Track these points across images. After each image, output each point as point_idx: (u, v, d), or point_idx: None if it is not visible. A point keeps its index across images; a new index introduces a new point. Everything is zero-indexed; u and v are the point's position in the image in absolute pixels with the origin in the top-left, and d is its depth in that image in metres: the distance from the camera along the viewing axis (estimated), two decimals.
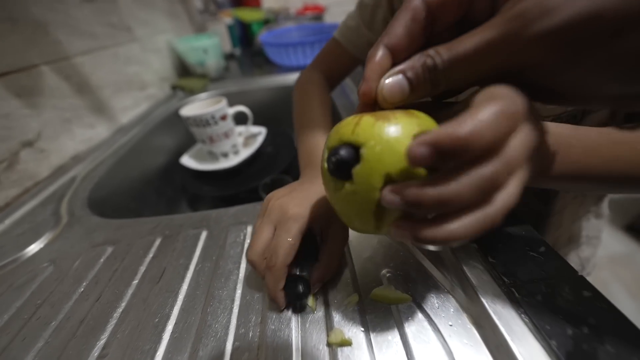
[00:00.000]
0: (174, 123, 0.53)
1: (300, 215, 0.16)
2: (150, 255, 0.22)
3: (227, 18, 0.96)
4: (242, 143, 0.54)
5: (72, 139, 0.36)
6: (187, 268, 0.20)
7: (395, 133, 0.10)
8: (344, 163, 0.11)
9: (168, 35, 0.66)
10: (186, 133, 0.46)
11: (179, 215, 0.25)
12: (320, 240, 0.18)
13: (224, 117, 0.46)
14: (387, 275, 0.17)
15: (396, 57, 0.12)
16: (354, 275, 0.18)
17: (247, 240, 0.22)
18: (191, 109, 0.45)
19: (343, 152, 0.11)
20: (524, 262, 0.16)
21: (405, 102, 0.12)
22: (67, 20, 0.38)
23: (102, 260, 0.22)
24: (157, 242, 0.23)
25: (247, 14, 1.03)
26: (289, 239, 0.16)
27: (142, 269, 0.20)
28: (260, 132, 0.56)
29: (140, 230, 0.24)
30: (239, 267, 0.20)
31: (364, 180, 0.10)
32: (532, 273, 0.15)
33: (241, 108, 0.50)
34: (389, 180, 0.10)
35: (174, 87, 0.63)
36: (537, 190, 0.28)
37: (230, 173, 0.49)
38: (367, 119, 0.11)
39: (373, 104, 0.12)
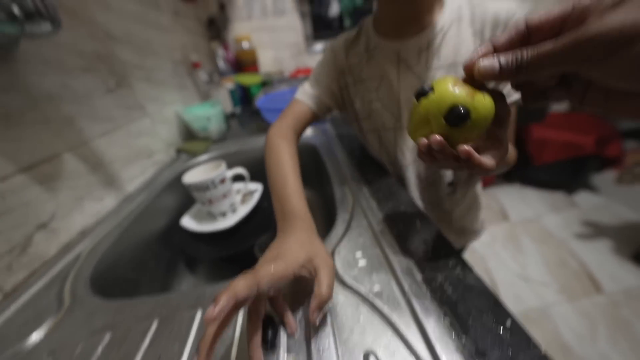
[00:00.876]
0: (176, 186, 0.57)
1: (280, 266, 0.20)
2: (147, 340, 0.22)
3: (229, 83, 1.08)
4: (240, 200, 0.57)
5: (82, 213, 0.39)
6: (181, 354, 0.21)
7: (482, 107, 0.18)
8: (461, 116, 0.18)
9: (176, 105, 0.74)
10: (187, 194, 0.50)
11: (175, 295, 0.27)
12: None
13: (222, 181, 0.50)
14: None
15: (496, 52, 0.17)
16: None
17: (241, 318, 0.23)
18: (193, 176, 0.50)
19: (463, 110, 0.18)
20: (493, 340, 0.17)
21: (492, 80, 0.17)
22: (91, 110, 0.44)
23: (100, 349, 0.22)
24: (154, 326, 0.24)
25: (247, 79, 1.17)
26: (271, 271, 0.20)
27: (139, 357, 0.21)
28: (257, 189, 0.59)
29: (137, 314, 0.25)
30: (231, 347, 0.20)
31: (475, 122, 0.18)
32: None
33: (239, 170, 0.54)
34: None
35: (179, 151, 0.68)
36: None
37: (228, 232, 0.51)
38: (473, 96, 0.18)
39: (471, 76, 0.18)
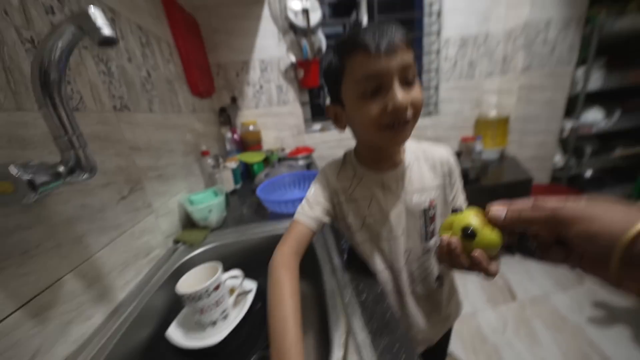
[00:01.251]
0: (168, 285, 0.56)
1: None
2: None
3: (233, 163, 1.17)
4: (232, 303, 0.55)
5: (66, 341, 0.37)
6: None
7: (488, 235, 0.27)
8: (472, 232, 0.27)
9: (181, 193, 0.79)
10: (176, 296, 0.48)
11: None
12: None
13: (217, 287, 0.50)
14: None
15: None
16: None
17: None
18: (187, 283, 0.49)
19: (471, 230, 0.27)
20: None
21: (499, 223, 0.26)
22: (102, 223, 0.47)
23: None
24: None
25: (250, 157, 1.27)
26: None
27: None
28: (252, 288, 0.58)
29: None
30: None
31: (481, 237, 0.27)
32: None
33: (234, 273, 0.54)
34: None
35: (177, 241, 0.70)
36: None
37: (218, 346, 0.48)
38: (484, 226, 0.27)
39: (486, 213, 0.27)
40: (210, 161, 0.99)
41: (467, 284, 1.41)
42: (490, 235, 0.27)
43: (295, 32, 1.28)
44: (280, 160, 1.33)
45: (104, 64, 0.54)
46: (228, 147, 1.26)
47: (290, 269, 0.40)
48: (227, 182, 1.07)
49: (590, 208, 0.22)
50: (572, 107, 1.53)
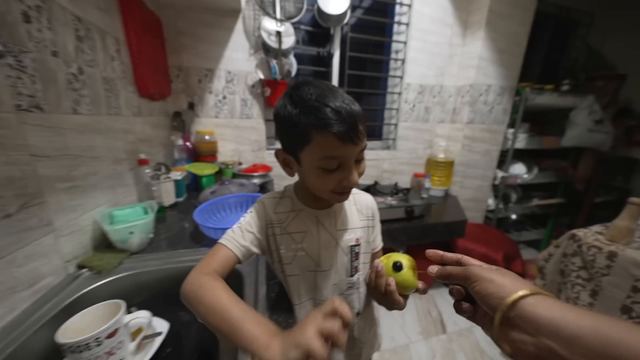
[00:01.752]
0: (54, 323, 0.46)
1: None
2: None
3: (178, 173, 1.08)
4: (134, 349, 0.48)
5: None
6: None
7: (409, 276, 0.39)
8: (400, 266, 0.39)
9: (101, 209, 0.69)
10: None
11: None
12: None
13: (112, 334, 0.43)
14: None
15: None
16: None
17: None
18: (74, 329, 0.42)
19: (399, 265, 0.39)
20: None
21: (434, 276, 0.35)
22: None
23: None
24: None
25: (200, 169, 1.19)
26: None
27: None
28: (162, 331, 0.51)
29: None
30: None
31: (403, 273, 0.39)
32: None
33: (141, 314, 0.48)
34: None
35: (81, 267, 0.60)
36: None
37: None
38: (410, 269, 0.39)
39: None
40: (148, 171, 0.89)
41: (405, 315, 1.47)
42: (411, 277, 0.38)
43: (267, 51, 1.29)
44: (235, 175, 1.27)
45: (13, 56, 0.46)
46: (176, 155, 1.16)
47: (213, 275, 0.38)
48: (167, 194, 0.98)
49: (491, 272, 0.28)
50: (503, 159, 1.79)
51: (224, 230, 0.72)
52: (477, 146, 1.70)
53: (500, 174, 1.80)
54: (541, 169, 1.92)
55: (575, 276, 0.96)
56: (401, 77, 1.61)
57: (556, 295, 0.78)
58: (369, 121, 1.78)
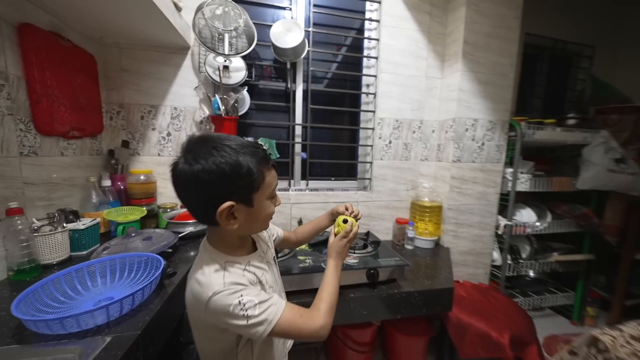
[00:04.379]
0: None
1: None
2: None
3: (87, 220, 0.91)
4: None
5: None
6: None
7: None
8: (346, 221, 0.69)
9: None
10: None
11: None
12: None
13: None
14: None
15: None
16: None
17: None
18: None
19: (345, 220, 0.69)
20: None
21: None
22: None
23: None
24: None
25: (124, 214, 1.02)
26: None
27: None
28: None
29: None
30: None
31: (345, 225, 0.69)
32: None
33: None
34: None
35: None
36: None
37: None
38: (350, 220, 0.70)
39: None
40: (21, 222, 0.73)
41: None
42: (353, 221, 0.69)
43: (216, 87, 1.20)
44: (168, 224, 1.09)
45: None
46: (94, 198, 1.01)
47: (308, 309, 0.54)
48: (55, 249, 0.80)
49: None
50: (505, 204, 1.49)
51: (76, 318, 0.49)
52: (468, 188, 1.43)
53: (503, 221, 1.48)
54: (556, 216, 1.58)
55: None
56: (373, 112, 1.46)
57: None
58: (341, 159, 1.60)
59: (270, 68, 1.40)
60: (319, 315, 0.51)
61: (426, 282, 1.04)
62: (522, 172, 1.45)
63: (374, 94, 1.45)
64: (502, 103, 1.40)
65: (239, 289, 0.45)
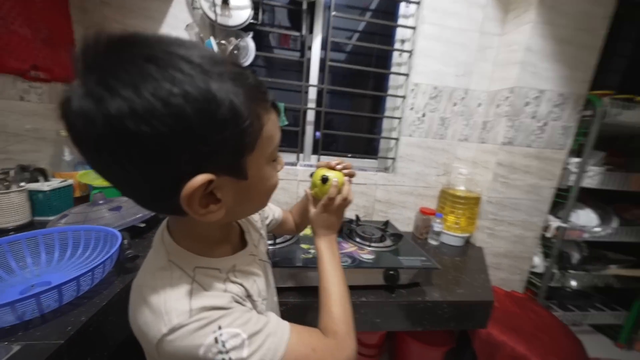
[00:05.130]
0: None
1: None
2: None
3: (57, 181, 0.77)
4: None
5: None
6: None
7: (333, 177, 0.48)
8: (326, 179, 0.47)
9: None
10: None
11: None
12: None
13: None
14: None
15: None
16: None
17: None
18: None
19: (325, 177, 0.47)
20: None
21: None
22: None
23: None
24: None
25: (93, 178, 0.87)
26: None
27: None
28: None
29: None
30: None
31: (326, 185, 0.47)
32: None
33: None
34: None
35: None
36: None
37: None
38: (331, 174, 0.48)
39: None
40: None
41: None
42: (338, 175, 0.48)
43: (215, 29, 0.97)
44: None
45: None
46: (67, 156, 0.86)
47: (317, 332, 0.38)
48: (8, 211, 0.66)
49: None
50: (560, 202, 1.20)
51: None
52: (517, 179, 1.16)
53: (555, 222, 1.21)
54: (624, 222, 1.27)
55: None
56: (407, 75, 1.17)
57: None
58: (360, 132, 1.35)
59: (289, 11, 1.13)
60: (342, 344, 0.36)
61: (457, 291, 0.83)
62: (591, 165, 1.14)
63: (410, 52, 1.15)
64: (581, 71, 1.06)
65: (215, 317, 0.27)
